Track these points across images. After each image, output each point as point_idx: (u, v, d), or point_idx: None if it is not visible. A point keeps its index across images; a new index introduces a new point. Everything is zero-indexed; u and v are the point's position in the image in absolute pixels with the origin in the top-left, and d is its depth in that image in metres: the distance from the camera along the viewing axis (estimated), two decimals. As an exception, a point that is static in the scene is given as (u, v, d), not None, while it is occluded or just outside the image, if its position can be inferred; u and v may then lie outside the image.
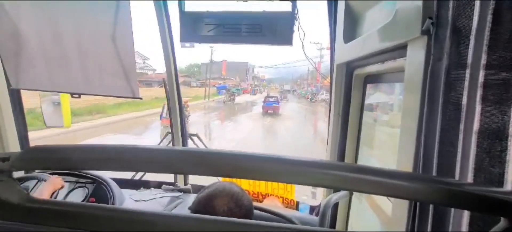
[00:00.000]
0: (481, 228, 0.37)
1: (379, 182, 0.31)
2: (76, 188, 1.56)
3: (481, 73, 0.38)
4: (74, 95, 1.38)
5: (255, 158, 0.33)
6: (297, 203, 1.71)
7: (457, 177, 0.43)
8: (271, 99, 21.35)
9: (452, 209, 0.42)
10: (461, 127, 0.42)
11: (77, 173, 1.59)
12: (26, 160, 0.33)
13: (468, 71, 0.41)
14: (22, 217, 0.33)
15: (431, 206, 0.48)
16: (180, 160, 0.33)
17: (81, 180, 1.58)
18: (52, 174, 1.55)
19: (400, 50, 0.70)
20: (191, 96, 26.46)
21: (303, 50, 1.24)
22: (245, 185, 1.77)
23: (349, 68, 1.15)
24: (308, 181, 0.33)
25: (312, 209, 1.68)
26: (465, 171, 0.40)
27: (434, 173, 0.49)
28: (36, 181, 1.52)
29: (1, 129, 1.51)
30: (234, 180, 1.65)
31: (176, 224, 0.34)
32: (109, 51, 1.25)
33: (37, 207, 0.33)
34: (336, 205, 1.36)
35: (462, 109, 0.43)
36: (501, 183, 0.36)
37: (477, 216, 0.38)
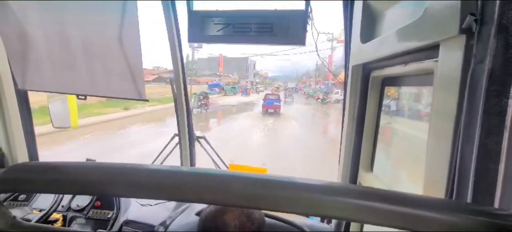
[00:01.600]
0: None
1: (403, 213, 0.26)
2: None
3: None
4: (80, 97, 1.35)
5: (264, 182, 0.28)
6: None
7: (497, 203, 0.37)
8: (272, 98, 20.25)
9: None
10: (505, 140, 0.36)
11: None
12: (12, 181, 0.28)
13: None
14: None
15: None
16: (185, 186, 0.28)
17: (69, 194, 1.56)
18: None
19: (428, 51, 0.64)
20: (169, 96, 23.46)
21: (317, 50, 1.18)
22: None
23: (366, 69, 1.09)
24: (323, 212, 0.28)
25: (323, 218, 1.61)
26: (509, 195, 0.34)
27: (469, 197, 0.42)
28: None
29: (7, 129, 1.50)
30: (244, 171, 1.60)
31: None
32: (116, 52, 1.22)
33: None
34: None
35: (507, 119, 0.36)
36: None
37: None
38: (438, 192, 0.52)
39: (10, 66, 1.44)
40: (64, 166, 0.29)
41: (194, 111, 16.58)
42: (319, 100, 28.94)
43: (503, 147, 0.37)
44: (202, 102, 18.33)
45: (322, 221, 1.59)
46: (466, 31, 0.46)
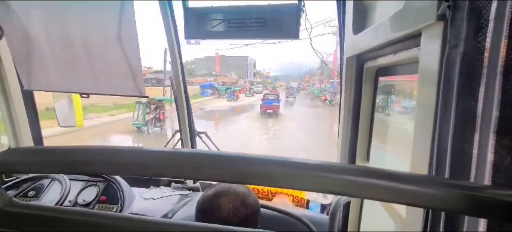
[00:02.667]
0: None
1: (390, 187, 0.28)
2: (88, 186, 1.59)
3: (501, 62, 0.33)
4: (83, 95, 1.40)
5: (266, 161, 0.30)
6: (308, 201, 1.67)
7: (472, 177, 0.38)
8: (270, 97, 19.14)
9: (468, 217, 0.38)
10: (478, 121, 0.38)
11: None
12: (7, 163, 0.31)
13: (486, 59, 0.36)
14: (4, 222, 0.31)
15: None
16: (182, 163, 0.31)
17: (92, 178, 1.61)
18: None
19: (414, 39, 0.65)
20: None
21: (311, 43, 1.19)
22: None
23: (360, 61, 1.10)
24: (320, 187, 0.30)
25: (323, 208, 1.63)
26: (482, 171, 0.36)
27: (447, 173, 0.44)
28: (50, 179, 1.55)
29: (15, 128, 1.56)
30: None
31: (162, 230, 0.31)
32: (116, 52, 1.25)
33: (19, 212, 0.31)
34: (348, 204, 1.32)
35: (478, 102, 0.38)
36: None
37: (493, 228, 0.33)
38: (422, 169, 0.54)
39: (15, 68, 1.49)
40: (61, 149, 0.32)
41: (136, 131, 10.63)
42: (326, 101, 24.28)
43: (476, 126, 0.38)
44: (152, 116, 10.78)
45: (322, 211, 1.61)
46: (442, 17, 0.48)
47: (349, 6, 1.04)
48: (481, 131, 0.37)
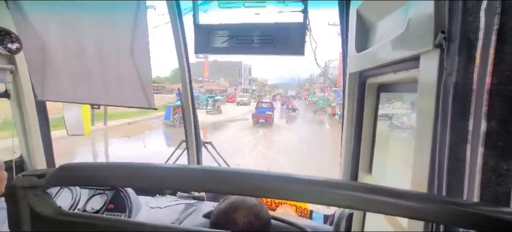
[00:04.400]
0: None
1: (388, 202, 0.32)
2: (96, 194, 1.62)
3: (486, 91, 0.38)
4: (94, 107, 1.45)
5: (271, 177, 0.34)
6: (311, 212, 1.69)
7: (465, 195, 0.43)
8: (264, 106, 18.19)
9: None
10: (469, 144, 0.42)
11: None
12: (60, 177, 0.36)
13: (474, 88, 0.41)
14: (54, 228, 0.36)
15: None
16: (203, 180, 0.35)
17: (100, 187, 1.65)
18: None
19: (413, 61, 0.70)
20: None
21: (315, 60, 1.24)
22: None
23: (362, 77, 1.15)
24: (321, 201, 0.34)
25: (326, 218, 1.66)
26: (472, 189, 0.40)
27: (444, 190, 0.48)
28: (58, 187, 1.59)
29: (27, 137, 1.60)
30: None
31: None
32: (127, 64, 1.31)
33: (68, 220, 0.36)
34: (350, 215, 1.34)
35: (469, 126, 0.42)
36: (507, 202, 0.36)
37: None
38: (421, 184, 0.58)
39: (30, 79, 1.55)
40: (98, 165, 0.36)
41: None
42: (336, 116, 17.29)
43: (467, 148, 0.43)
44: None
45: (325, 222, 1.63)
46: (438, 46, 0.53)
47: (352, 26, 1.10)
48: (471, 152, 0.41)
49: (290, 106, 23.42)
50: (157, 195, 1.86)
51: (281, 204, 1.75)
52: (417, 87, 0.68)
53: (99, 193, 1.63)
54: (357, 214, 1.33)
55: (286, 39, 1.18)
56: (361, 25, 1.05)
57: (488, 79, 0.38)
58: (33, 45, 1.46)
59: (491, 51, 0.37)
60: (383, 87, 1.08)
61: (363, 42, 1.05)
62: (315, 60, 1.23)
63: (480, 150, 0.37)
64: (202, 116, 16.59)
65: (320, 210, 1.70)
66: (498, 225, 0.29)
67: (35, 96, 1.60)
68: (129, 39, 1.27)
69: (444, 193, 0.48)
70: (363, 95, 1.17)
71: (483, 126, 0.37)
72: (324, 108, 23.41)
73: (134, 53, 1.27)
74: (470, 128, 0.42)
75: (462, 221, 0.32)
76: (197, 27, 1.30)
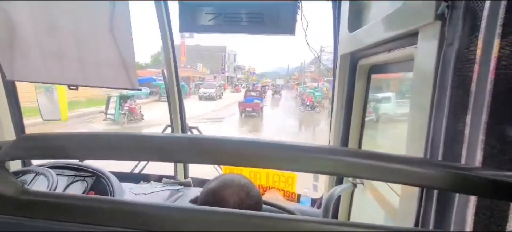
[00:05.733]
0: (487, 217, 0.35)
1: (385, 167, 0.30)
2: (75, 181, 1.54)
3: (493, 58, 0.35)
4: (71, 87, 1.35)
5: (258, 144, 0.31)
6: (299, 196, 1.70)
7: (464, 162, 0.41)
8: (253, 94, 16.98)
9: (456, 199, 0.40)
10: (470, 112, 0.40)
11: (75, 166, 1.57)
12: (18, 148, 0.31)
13: (478, 56, 0.39)
14: (17, 210, 0.31)
15: (435, 195, 0.46)
16: (176, 148, 0.31)
17: (80, 173, 1.56)
18: (51, 167, 1.52)
19: (409, 37, 0.68)
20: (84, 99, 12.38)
21: (306, 40, 1.21)
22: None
23: (354, 58, 1.13)
24: (314, 168, 0.31)
25: (313, 202, 1.67)
26: (473, 157, 0.38)
27: (440, 157, 0.47)
28: (33, 174, 1.49)
29: None
30: (234, 170, 1.63)
31: (172, 215, 0.32)
32: (107, 42, 1.22)
33: (32, 200, 0.31)
34: (338, 199, 1.36)
35: (471, 93, 0.41)
36: (511, 170, 0.34)
37: (482, 205, 0.36)
38: (418, 154, 0.57)
39: (-3, 57, 1.41)
40: (65, 135, 0.31)
41: None
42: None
43: (467, 117, 0.41)
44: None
45: (312, 205, 1.65)
46: (440, 17, 0.50)
47: (345, 5, 1.07)
48: (472, 121, 0.40)
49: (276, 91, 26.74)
50: (142, 181, 1.80)
51: (269, 188, 1.75)
52: (413, 64, 0.66)
53: (79, 180, 1.54)
54: (344, 197, 1.35)
55: (277, 18, 1.13)
56: (354, 3, 1.02)
57: (495, 49, 0.35)
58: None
59: (500, 16, 0.35)
60: (375, 69, 1.07)
61: (356, 22, 1.03)
62: (306, 40, 1.19)
63: (484, 118, 0.36)
64: (158, 113, 11.15)
65: (308, 194, 1.70)
66: (502, 188, 0.28)
67: (4, 76, 1.47)
68: (109, 14, 1.18)
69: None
70: (354, 78, 1.15)
71: (488, 93, 0.35)
72: (322, 102, 18.04)
73: (115, 29, 1.18)
74: (472, 96, 0.40)
75: (464, 186, 0.30)
76: (182, 4, 1.22)
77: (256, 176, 1.77)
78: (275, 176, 1.74)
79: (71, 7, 1.27)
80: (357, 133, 1.22)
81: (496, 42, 0.37)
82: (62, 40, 1.30)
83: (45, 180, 1.43)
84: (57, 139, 0.32)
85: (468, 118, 0.40)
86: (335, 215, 1.36)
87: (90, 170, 1.56)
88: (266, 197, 1.71)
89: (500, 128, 0.35)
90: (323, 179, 1.60)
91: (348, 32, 1.04)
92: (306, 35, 1.18)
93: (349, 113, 1.22)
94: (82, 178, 1.54)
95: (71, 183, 1.52)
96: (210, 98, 20.47)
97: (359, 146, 1.24)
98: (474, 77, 0.39)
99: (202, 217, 0.32)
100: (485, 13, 0.39)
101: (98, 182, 1.52)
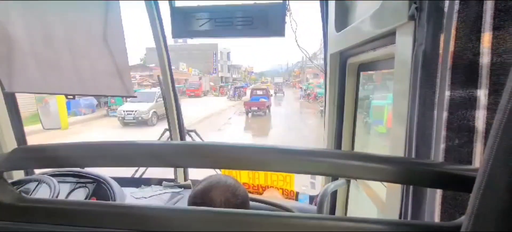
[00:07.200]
0: (452, 206, 0.38)
1: (361, 166, 0.33)
2: (77, 188, 1.57)
3: (450, 58, 0.38)
4: (68, 97, 1.38)
5: (252, 149, 0.34)
6: (297, 193, 1.72)
7: (432, 157, 0.44)
8: (259, 92, 16.36)
9: (428, 192, 0.43)
10: (435, 110, 0.43)
11: (77, 173, 1.60)
12: (14, 160, 0.33)
13: (440, 56, 0.41)
14: (15, 217, 0.33)
15: (411, 189, 0.49)
16: (172, 153, 0.34)
17: (81, 180, 1.59)
18: (53, 175, 1.56)
19: (390, 36, 0.70)
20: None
21: (296, 41, 1.23)
22: (245, 178, 1.79)
23: (343, 57, 1.15)
24: (298, 169, 0.34)
25: (311, 199, 1.69)
26: (438, 152, 0.41)
27: (413, 154, 0.50)
28: (36, 183, 1.52)
29: None
30: (233, 172, 1.66)
31: (168, 215, 0.34)
32: (102, 50, 1.24)
33: (30, 207, 0.33)
34: (335, 194, 1.38)
35: (435, 94, 0.43)
36: (469, 163, 0.37)
37: (447, 196, 0.39)
38: (398, 150, 0.59)
39: (-4, 70, 1.44)
40: (59, 146, 0.34)
41: None
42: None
43: (433, 114, 0.44)
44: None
45: (310, 202, 1.67)
46: (412, 18, 0.53)
47: (332, 5, 1.09)
48: (437, 118, 0.42)
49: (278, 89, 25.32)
50: (142, 185, 1.83)
51: (268, 187, 1.77)
52: (394, 63, 0.69)
53: (81, 186, 1.58)
54: (340, 193, 1.37)
55: (266, 21, 1.16)
56: (340, 4, 1.04)
57: (451, 47, 0.38)
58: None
59: (454, 18, 0.37)
60: (363, 67, 1.09)
61: (342, 21, 1.05)
62: (296, 41, 1.22)
63: (445, 115, 0.38)
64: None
65: (306, 191, 1.73)
66: (461, 181, 0.30)
67: (3, 88, 1.50)
68: (102, 23, 1.20)
69: (413, 156, 0.50)
70: (344, 76, 1.18)
71: (447, 92, 0.38)
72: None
73: (108, 38, 1.20)
74: (437, 95, 0.43)
75: (427, 180, 0.33)
76: (174, 10, 1.25)
77: (255, 176, 1.80)
78: (274, 176, 1.76)
79: (65, 17, 1.29)
80: (350, 129, 1.25)
81: (452, 42, 0.39)
82: (57, 51, 1.32)
83: (47, 187, 1.46)
84: (50, 150, 0.35)
85: (435, 115, 0.42)
86: (332, 212, 1.39)
87: (91, 176, 1.59)
88: (265, 196, 1.73)
89: (459, 124, 0.37)
90: (320, 176, 1.62)
91: (335, 32, 1.07)
92: (296, 36, 1.20)
93: (341, 110, 1.24)
94: (84, 185, 1.58)
95: (73, 190, 1.55)
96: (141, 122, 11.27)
97: (352, 141, 1.26)
98: (438, 75, 0.42)
99: (194, 216, 0.35)
100: (446, 14, 0.42)
101: (99, 187, 1.55)
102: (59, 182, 1.48)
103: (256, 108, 14.34)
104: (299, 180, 1.76)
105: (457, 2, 0.37)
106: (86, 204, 0.35)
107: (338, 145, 1.31)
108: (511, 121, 0.25)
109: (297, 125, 11.77)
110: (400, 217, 0.59)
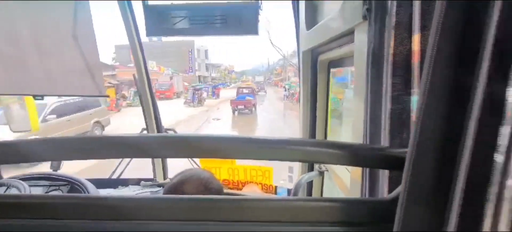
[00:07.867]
0: (394, 183, 0.43)
1: (327, 152, 0.38)
2: (50, 191, 1.52)
3: (391, 56, 0.43)
4: (37, 97, 1.33)
5: (228, 139, 0.37)
6: (276, 187, 1.77)
7: (382, 142, 0.50)
8: (245, 91, 16.36)
9: (380, 173, 0.48)
10: (384, 102, 0.48)
11: (48, 176, 1.55)
12: None
13: (384, 54, 0.46)
14: None
15: (367, 172, 0.54)
16: (147, 144, 0.35)
17: (54, 182, 1.54)
18: (23, 179, 1.49)
19: (351, 35, 0.75)
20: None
21: (270, 39, 1.26)
22: (225, 174, 1.81)
23: (314, 54, 1.20)
24: (271, 156, 0.39)
25: (290, 192, 1.75)
26: (386, 138, 0.46)
27: (368, 141, 0.55)
28: (5, 187, 1.46)
29: None
30: (213, 169, 1.68)
31: (138, 205, 0.36)
32: (71, 50, 1.21)
33: None
34: (310, 187, 1.44)
35: (384, 86, 0.48)
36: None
37: (390, 175, 0.43)
38: (358, 137, 0.65)
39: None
40: (28, 141, 0.34)
41: None
42: None
43: (383, 107, 0.48)
44: None
45: (288, 195, 1.72)
46: (365, 18, 0.57)
47: (302, 4, 1.13)
48: (384, 109, 0.47)
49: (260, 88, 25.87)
50: (119, 186, 1.80)
51: (248, 183, 1.81)
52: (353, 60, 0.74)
53: (54, 189, 1.52)
54: (316, 184, 1.43)
55: (240, 19, 1.18)
56: (309, 3, 1.08)
57: (392, 46, 0.42)
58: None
59: (393, 18, 0.42)
60: (333, 63, 1.14)
61: (312, 19, 1.09)
62: (269, 39, 1.25)
63: (388, 105, 0.43)
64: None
65: (284, 185, 1.78)
66: (393, 161, 0.35)
67: (-36, 90, 1.41)
68: (71, 21, 1.17)
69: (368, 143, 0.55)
70: (316, 72, 1.23)
71: (389, 87, 0.42)
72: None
73: (78, 37, 1.18)
74: (383, 89, 0.47)
75: (372, 162, 0.37)
76: (147, 8, 1.24)
77: (235, 172, 1.82)
78: (253, 171, 1.79)
79: (32, 15, 1.24)
80: (323, 122, 1.30)
81: (392, 42, 0.44)
82: (24, 49, 1.27)
83: (17, 192, 1.40)
84: (17, 145, 0.35)
85: (383, 107, 0.47)
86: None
87: (64, 178, 1.55)
88: (245, 191, 1.77)
89: (399, 114, 0.42)
90: (297, 170, 1.68)
91: (305, 29, 1.11)
92: (269, 35, 1.23)
93: (314, 105, 1.29)
94: (57, 187, 1.53)
95: (45, 193, 1.50)
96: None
97: (325, 133, 1.32)
98: (384, 71, 0.46)
99: (167, 204, 0.37)
100: (388, 14, 0.46)
101: (74, 190, 1.51)
102: (30, 185, 1.43)
103: (242, 106, 14.27)
104: (277, 175, 1.80)
105: (394, 3, 0.41)
106: (61, 197, 0.36)
107: (313, 136, 1.36)
108: (428, 110, 0.29)
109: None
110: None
